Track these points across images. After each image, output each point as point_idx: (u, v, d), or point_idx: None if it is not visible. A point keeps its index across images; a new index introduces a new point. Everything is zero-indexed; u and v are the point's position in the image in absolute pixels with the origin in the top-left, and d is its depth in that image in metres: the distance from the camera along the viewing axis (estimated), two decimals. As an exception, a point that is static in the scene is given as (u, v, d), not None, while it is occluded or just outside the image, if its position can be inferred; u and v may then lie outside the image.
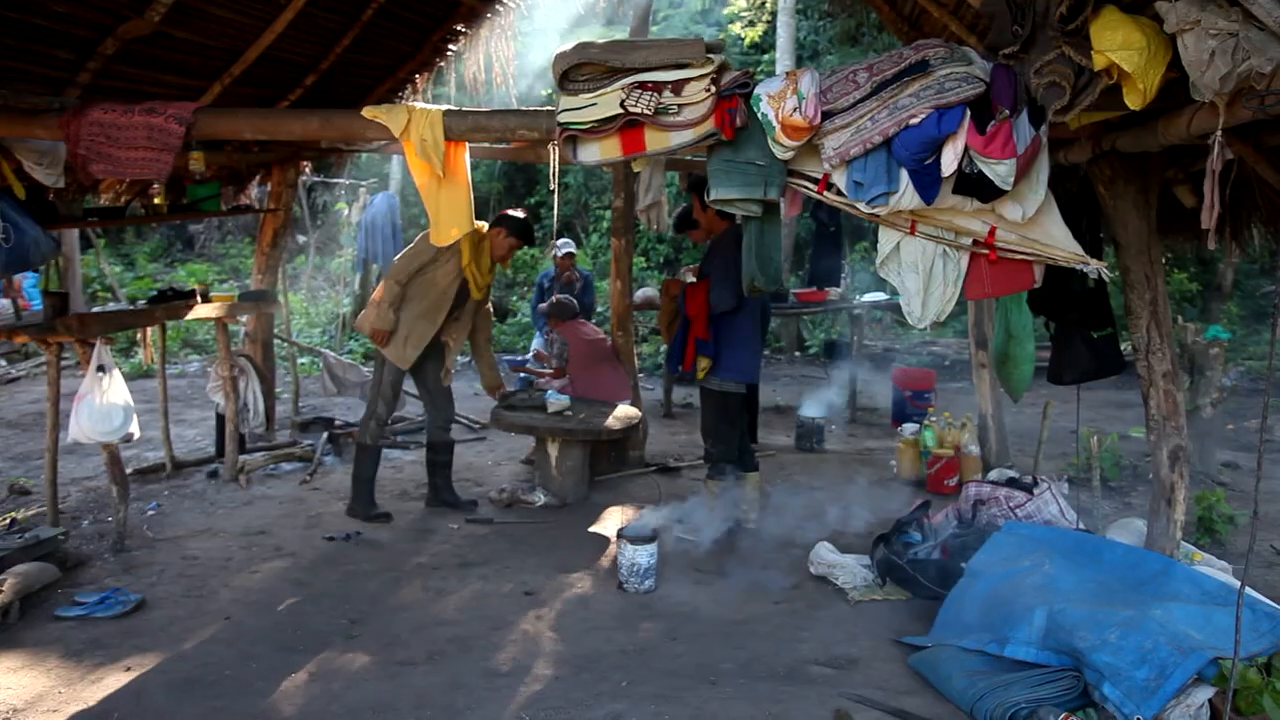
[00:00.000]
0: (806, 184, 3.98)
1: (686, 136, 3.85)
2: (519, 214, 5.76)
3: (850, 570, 4.71)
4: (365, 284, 13.26)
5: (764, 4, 14.42)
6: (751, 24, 14.70)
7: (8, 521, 5.39)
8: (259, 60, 5.57)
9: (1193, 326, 7.29)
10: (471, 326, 5.91)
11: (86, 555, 5.06)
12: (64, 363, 5.81)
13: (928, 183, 3.72)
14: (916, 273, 4.05)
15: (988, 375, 6.56)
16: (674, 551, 5.10)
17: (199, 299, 6.39)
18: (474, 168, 4.47)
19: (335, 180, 12.24)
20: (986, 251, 3.93)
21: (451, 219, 4.38)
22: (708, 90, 3.80)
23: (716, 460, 5.52)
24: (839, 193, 3.89)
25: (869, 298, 9.77)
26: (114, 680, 3.69)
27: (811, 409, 8.08)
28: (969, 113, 3.56)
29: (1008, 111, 3.47)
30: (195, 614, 4.34)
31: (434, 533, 5.54)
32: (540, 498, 6.05)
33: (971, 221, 3.89)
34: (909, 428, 6.94)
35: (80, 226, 7.93)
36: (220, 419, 6.82)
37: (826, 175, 3.88)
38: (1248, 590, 3.27)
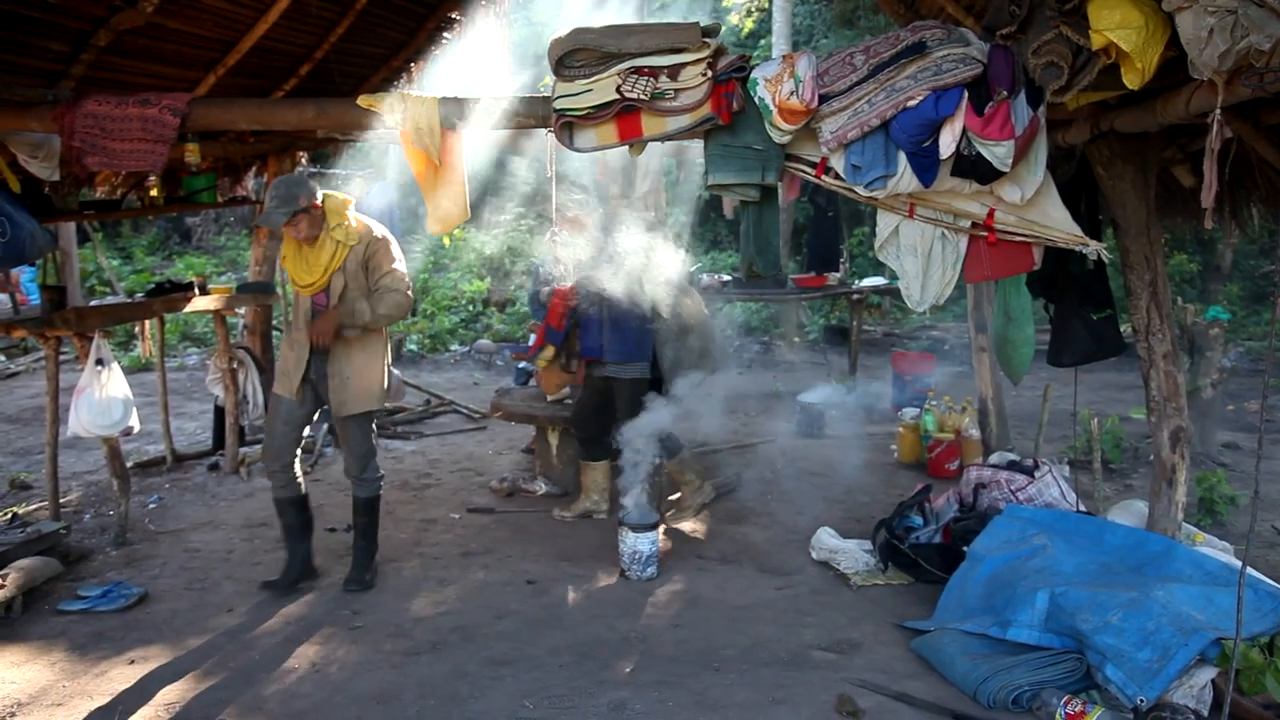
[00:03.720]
0: (804, 168, 3.96)
1: (683, 121, 3.83)
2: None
3: (852, 555, 4.71)
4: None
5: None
6: (749, 14, 14.67)
7: (9, 516, 5.39)
8: (253, 50, 5.54)
9: (1192, 307, 7.28)
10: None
11: (88, 549, 5.06)
12: (63, 357, 5.80)
13: (926, 165, 3.70)
14: (915, 256, 4.04)
15: (987, 359, 6.55)
16: (674, 539, 5.11)
17: (197, 291, 6.38)
18: (470, 156, 4.44)
19: (332, 171, 12.19)
20: (985, 234, 3.91)
21: (449, 208, 4.37)
22: (704, 74, 3.78)
23: (600, 447, 5.42)
24: (837, 176, 3.88)
25: (868, 282, 9.75)
26: (118, 673, 3.70)
27: (811, 395, 8.07)
28: (967, 94, 3.54)
29: (1005, 92, 3.46)
30: (198, 606, 4.35)
31: (435, 523, 5.54)
32: (541, 486, 6.05)
33: (970, 204, 3.87)
34: (909, 412, 6.94)
35: (77, 220, 7.91)
36: (220, 411, 6.82)
37: (824, 159, 3.87)
38: (1249, 570, 3.27)
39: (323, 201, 4.33)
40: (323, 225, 4.32)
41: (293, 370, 4.46)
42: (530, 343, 6.00)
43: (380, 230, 4.49)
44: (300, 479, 4.60)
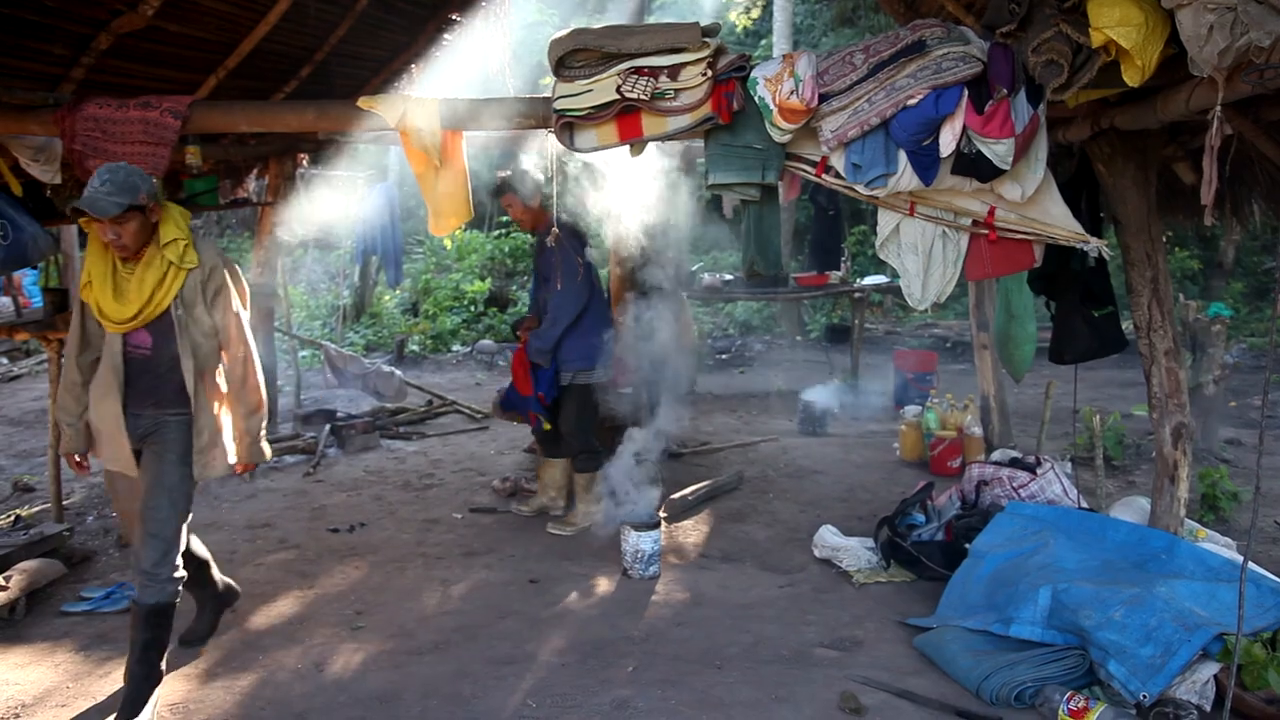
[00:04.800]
0: (805, 167, 3.96)
1: (683, 121, 3.83)
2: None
3: (854, 553, 4.71)
4: (365, 276, 13.25)
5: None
6: (747, 10, 14.68)
7: (12, 519, 5.40)
8: (253, 53, 5.54)
9: (1194, 304, 7.29)
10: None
11: (91, 551, 5.07)
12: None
13: (926, 163, 3.70)
14: (916, 254, 4.04)
15: (989, 356, 6.56)
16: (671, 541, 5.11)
17: (198, 293, 6.36)
18: (470, 159, 4.44)
19: (333, 172, 12.19)
20: (986, 232, 3.92)
21: (450, 209, 4.37)
22: (704, 74, 3.78)
23: (584, 453, 5.39)
24: (837, 175, 3.88)
25: (869, 280, 9.76)
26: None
27: (814, 393, 8.08)
28: (967, 92, 3.54)
29: (1005, 90, 3.46)
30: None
31: (438, 522, 5.55)
32: (543, 486, 6.05)
33: (971, 202, 3.87)
34: (911, 410, 6.94)
35: (78, 222, 7.92)
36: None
37: (825, 158, 3.87)
38: (1252, 566, 3.27)
39: (161, 208, 3.42)
40: (153, 238, 3.38)
41: (116, 432, 3.44)
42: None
43: (222, 255, 3.59)
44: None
